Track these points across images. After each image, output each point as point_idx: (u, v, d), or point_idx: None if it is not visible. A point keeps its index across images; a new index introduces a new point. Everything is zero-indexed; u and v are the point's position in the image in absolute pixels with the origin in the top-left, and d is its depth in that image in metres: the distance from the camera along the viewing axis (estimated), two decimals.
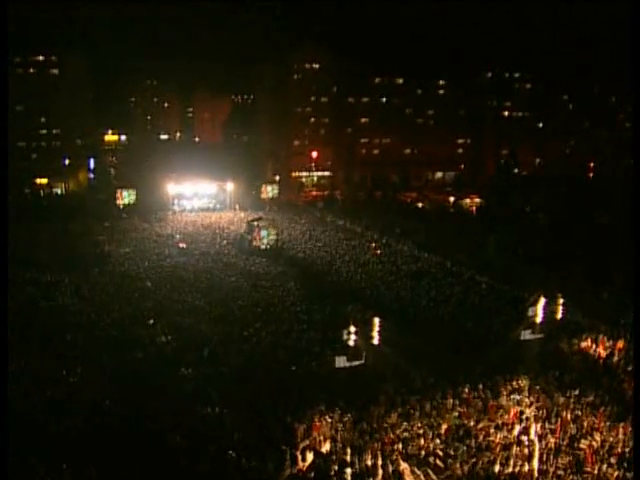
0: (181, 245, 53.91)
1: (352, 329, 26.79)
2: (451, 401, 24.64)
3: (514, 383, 26.13)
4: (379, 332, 27.41)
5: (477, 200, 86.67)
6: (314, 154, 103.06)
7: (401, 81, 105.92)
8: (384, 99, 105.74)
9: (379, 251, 52.05)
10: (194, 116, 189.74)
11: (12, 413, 21.25)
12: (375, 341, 27.34)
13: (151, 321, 33.35)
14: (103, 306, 36.17)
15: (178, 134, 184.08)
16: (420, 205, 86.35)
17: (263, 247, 52.54)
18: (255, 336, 31.41)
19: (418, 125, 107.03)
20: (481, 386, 25.66)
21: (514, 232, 57.14)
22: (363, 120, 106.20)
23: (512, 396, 25.15)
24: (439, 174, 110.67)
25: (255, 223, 54.89)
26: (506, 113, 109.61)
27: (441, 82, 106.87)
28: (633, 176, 47.17)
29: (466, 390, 25.36)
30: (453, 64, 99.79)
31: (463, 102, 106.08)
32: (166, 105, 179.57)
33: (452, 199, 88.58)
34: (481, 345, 30.10)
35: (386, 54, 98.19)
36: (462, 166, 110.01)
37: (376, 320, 27.57)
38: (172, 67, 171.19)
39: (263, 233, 53.12)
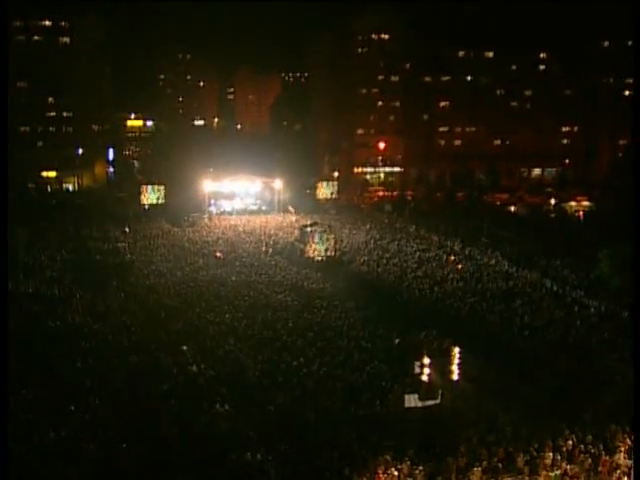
0: (218, 255, 54.65)
1: (426, 361, 26.50)
2: (550, 455, 24.02)
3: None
4: (459, 365, 27.02)
5: (586, 203, 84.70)
6: (381, 146, 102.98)
7: (491, 54, 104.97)
8: (469, 77, 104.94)
9: (460, 265, 51.54)
10: (236, 98, 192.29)
11: (10, 458, 21.72)
12: (454, 376, 26.97)
13: (184, 347, 33.88)
14: (122, 327, 36.91)
15: (216, 120, 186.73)
16: (513, 209, 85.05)
17: (318, 258, 52.75)
18: (306, 367, 31.44)
19: (512, 109, 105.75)
20: (591, 438, 24.94)
21: (634, 245, 55.49)
22: (442, 104, 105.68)
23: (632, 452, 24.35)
24: (537, 171, 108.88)
25: (309, 229, 55.08)
26: (627, 93, 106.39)
27: (542, 55, 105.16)
28: (633, 175, 48.10)
29: (570, 442, 24.70)
30: (557, 31, 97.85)
31: (570, 79, 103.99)
32: (202, 84, 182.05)
33: (553, 202, 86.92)
34: (590, 386, 29.29)
35: (472, 20, 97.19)
36: (567, 161, 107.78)
37: (455, 350, 27.20)
38: (210, 38, 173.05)
39: (318, 241, 53.30)
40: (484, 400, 27.22)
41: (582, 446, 24.59)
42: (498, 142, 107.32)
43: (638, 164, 53.42)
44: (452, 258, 53.98)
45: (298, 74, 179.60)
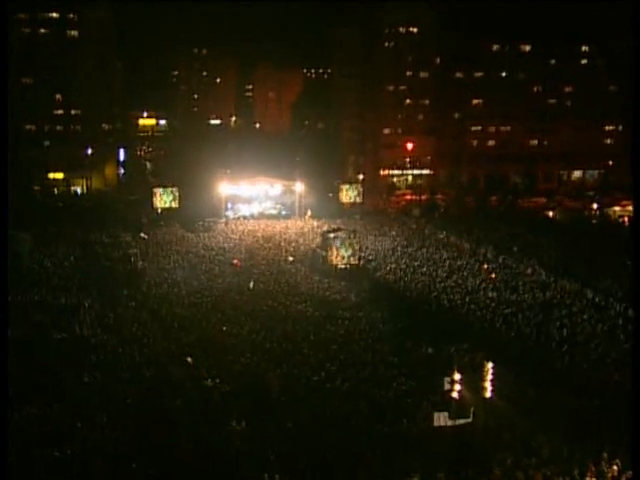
0: (235, 262, 54.89)
1: (457, 377, 26.41)
2: None
3: None
4: (492, 382, 26.89)
5: (631, 208, 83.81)
6: (409, 146, 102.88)
7: (527, 48, 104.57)
8: (504, 73, 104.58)
9: (494, 274, 51.35)
10: (254, 96, 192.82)
11: (11, 477, 21.91)
12: (487, 393, 26.84)
13: (188, 359, 34.04)
14: (133, 339, 37.10)
15: (233, 119, 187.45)
16: (551, 214, 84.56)
17: (342, 266, 52.77)
18: (329, 382, 31.46)
19: (550, 107, 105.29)
20: None
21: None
22: (475, 101, 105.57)
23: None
24: (577, 173, 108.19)
25: (332, 235, 55.12)
26: None
27: (584, 48, 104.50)
28: (633, 175, 49.66)
29: (615, 467, 24.44)
30: (601, 22, 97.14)
31: (615, 74, 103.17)
32: (218, 81, 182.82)
33: (595, 206, 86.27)
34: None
35: (507, 12, 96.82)
36: (610, 162, 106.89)
37: (489, 366, 27.07)
38: (227, 31, 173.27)
39: (342, 248, 53.30)
40: (519, 419, 27.00)
41: (629, 472, 24.33)
42: (535, 142, 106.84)
43: (638, 164, 54.82)
44: (485, 266, 53.80)
45: (321, 70, 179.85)
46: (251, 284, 48.72)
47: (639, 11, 59.29)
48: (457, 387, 26.43)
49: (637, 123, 62.57)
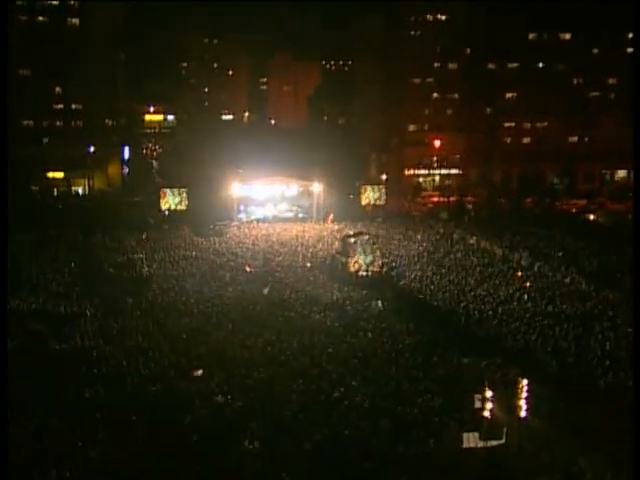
0: (248, 269, 55.01)
1: (488, 394, 26.28)
2: None
3: None
4: (527, 400, 26.73)
5: None
6: (437, 144, 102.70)
7: (568, 36, 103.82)
8: (541, 64, 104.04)
9: (528, 283, 51.14)
10: (269, 89, 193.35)
11: None
12: (522, 412, 26.68)
13: (199, 372, 34.08)
14: (138, 351, 37.20)
15: (246, 114, 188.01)
16: (592, 217, 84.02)
17: (363, 273, 52.81)
18: (348, 399, 31.43)
19: (591, 101, 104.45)
20: None
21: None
22: (509, 95, 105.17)
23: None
24: (621, 173, 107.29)
25: (352, 240, 55.15)
26: None
27: (629, 35, 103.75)
28: (634, 176, 51.43)
29: None
30: None
31: None
32: (231, 73, 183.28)
33: None
34: None
35: None
36: None
37: (523, 382, 26.92)
38: (240, 20, 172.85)
39: (363, 254, 53.31)
40: (557, 441, 26.83)
41: None
42: (575, 139, 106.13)
43: (638, 163, 55.35)
44: (519, 274, 53.63)
45: (341, 61, 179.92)
46: (266, 290, 48.84)
47: (639, 11, 59.60)
48: (488, 405, 26.29)
49: (637, 123, 63.99)
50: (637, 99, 70.95)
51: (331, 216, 75.94)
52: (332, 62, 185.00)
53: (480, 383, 27.02)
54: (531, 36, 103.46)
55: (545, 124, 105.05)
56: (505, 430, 26.50)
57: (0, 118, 67.96)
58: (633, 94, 74.65)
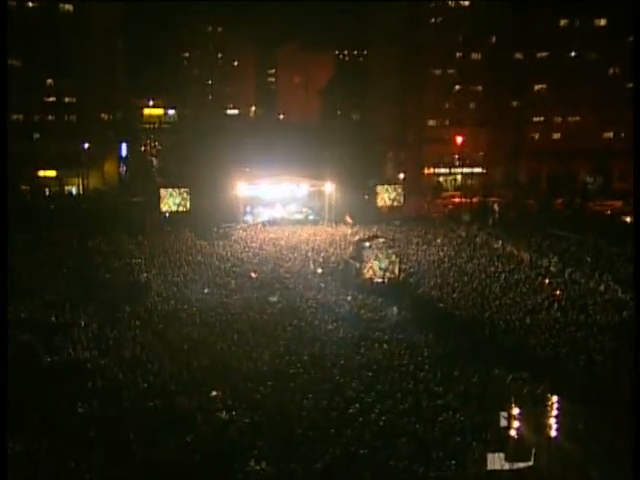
0: (254, 275, 55.05)
1: (515, 411, 26.14)
2: None
3: None
4: (557, 418, 26.57)
5: None
6: (459, 140, 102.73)
7: (602, 22, 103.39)
8: (573, 53, 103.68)
9: (559, 291, 50.95)
10: (278, 82, 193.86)
11: None
12: (552, 432, 26.52)
13: (213, 393, 34.01)
14: (136, 364, 37.13)
15: (253, 108, 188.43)
16: (628, 220, 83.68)
17: (378, 280, 52.73)
18: (363, 416, 31.32)
19: (628, 92, 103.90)
20: None
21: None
22: (537, 87, 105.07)
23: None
24: None
25: (367, 244, 55.10)
26: None
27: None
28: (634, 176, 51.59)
29: None
30: None
31: None
32: (236, 64, 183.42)
33: None
34: None
35: None
36: None
37: (553, 399, 26.77)
38: (245, 6, 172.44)
39: (379, 259, 53.25)
40: (590, 464, 26.64)
41: None
42: (610, 135, 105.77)
43: (638, 163, 56.17)
44: (548, 281, 53.46)
45: (355, 51, 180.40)
46: (273, 298, 48.85)
47: (639, 11, 61.48)
48: (515, 424, 26.15)
49: (637, 122, 64.98)
50: (637, 98, 72.46)
51: (348, 217, 75.89)
52: (346, 52, 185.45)
53: (506, 399, 26.88)
54: (562, 22, 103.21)
55: (577, 118, 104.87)
56: (533, 451, 26.36)
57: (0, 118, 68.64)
58: (633, 94, 75.72)
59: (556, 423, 26.60)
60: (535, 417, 26.53)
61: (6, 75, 75.88)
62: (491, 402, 29.55)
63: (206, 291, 50.94)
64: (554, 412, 26.64)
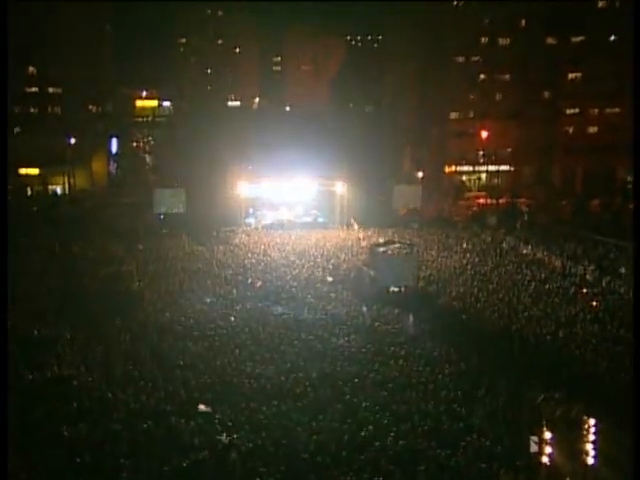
0: (258, 284, 55.11)
1: (546, 435, 26.10)
2: None
3: None
4: (594, 443, 26.49)
5: None
6: (484, 135, 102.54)
7: None
8: (612, 36, 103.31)
9: (595, 302, 50.78)
10: (284, 70, 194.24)
11: None
12: (588, 459, 26.45)
13: (203, 407, 34.02)
14: (126, 382, 37.13)
15: (257, 100, 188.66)
16: None
17: (395, 289, 52.76)
18: (377, 439, 31.27)
19: None
20: None
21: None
22: (572, 75, 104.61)
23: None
24: None
25: (382, 249, 55.26)
26: None
27: None
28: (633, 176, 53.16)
29: None
30: None
31: None
32: (238, 51, 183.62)
33: None
34: None
35: None
36: None
37: (589, 422, 26.70)
38: None
39: (395, 266, 53.22)
40: None
41: None
42: None
43: (638, 163, 57.13)
44: (583, 291, 53.31)
45: (369, 37, 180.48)
46: (279, 309, 48.91)
47: (639, 11, 63.26)
48: (547, 449, 26.09)
49: (637, 122, 65.63)
50: (637, 98, 73.26)
51: (352, 220, 75.91)
52: (359, 37, 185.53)
53: (537, 422, 26.83)
54: (600, 4, 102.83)
55: (617, 110, 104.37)
56: None
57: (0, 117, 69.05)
58: (633, 92, 76.33)
59: (593, 449, 26.54)
60: (569, 442, 26.50)
61: (6, 75, 75.97)
62: (520, 425, 29.46)
63: (204, 301, 51.00)
64: (590, 437, 26.57)
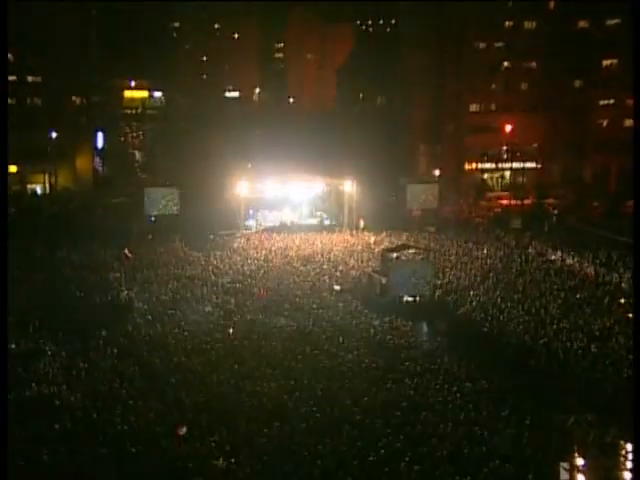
0: (259, 292, 55.08)
1: (578, 462, 25.95)
2: None
3: None
4: (631, 471, 26.32)
5: None
6: (507, 129, 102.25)
7: None
8: None
9: (631, 314, 50.52)
10: (287, 59, 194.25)
11: None
12: None
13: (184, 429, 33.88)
14: (113, 400, 37.04)
15: (257, 91, 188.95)
16: None
17: (408, 298, 52.76)
18: (390, 464, 31.15)
19: None
20: None
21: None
22: (606, 62, 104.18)
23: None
24: None
25: (394, 255, 55.27)
26: None
27: None
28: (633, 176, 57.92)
29: None
30: None
31: None
32: (237, 37, 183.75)
33: None
34: None
35: None
36: None
37: (626, 447, 26.56)
38: None
39: (409, 273, 53.15)
40: None
41: None
42: None
43: (638, 162, 57.87)
44: (619, 302, 53.06)
45: (381, 21, 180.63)
46: (282, 320, 48.85)
47: (639, 11, 67.39)
48: (579, 477, 25.95)
49: (637, 122, 66.09)
50: (637, 97, 73.96)
51: (361, 222, 75.91)
52: (369, 22, 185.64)
53: (567, 447, 26.70)
54: None
55: None
56: None
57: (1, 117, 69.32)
58: (633, 92, 76.84)
59: (630, 475, 26.39)
60: (604, 469, 26.34)
61: (6, 75, 76.24)
62: (549, 450, 29.28)
63: (200, 312, 50.90)
64: (627, 463, 26.42)
